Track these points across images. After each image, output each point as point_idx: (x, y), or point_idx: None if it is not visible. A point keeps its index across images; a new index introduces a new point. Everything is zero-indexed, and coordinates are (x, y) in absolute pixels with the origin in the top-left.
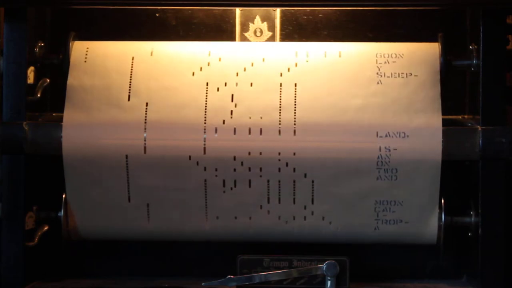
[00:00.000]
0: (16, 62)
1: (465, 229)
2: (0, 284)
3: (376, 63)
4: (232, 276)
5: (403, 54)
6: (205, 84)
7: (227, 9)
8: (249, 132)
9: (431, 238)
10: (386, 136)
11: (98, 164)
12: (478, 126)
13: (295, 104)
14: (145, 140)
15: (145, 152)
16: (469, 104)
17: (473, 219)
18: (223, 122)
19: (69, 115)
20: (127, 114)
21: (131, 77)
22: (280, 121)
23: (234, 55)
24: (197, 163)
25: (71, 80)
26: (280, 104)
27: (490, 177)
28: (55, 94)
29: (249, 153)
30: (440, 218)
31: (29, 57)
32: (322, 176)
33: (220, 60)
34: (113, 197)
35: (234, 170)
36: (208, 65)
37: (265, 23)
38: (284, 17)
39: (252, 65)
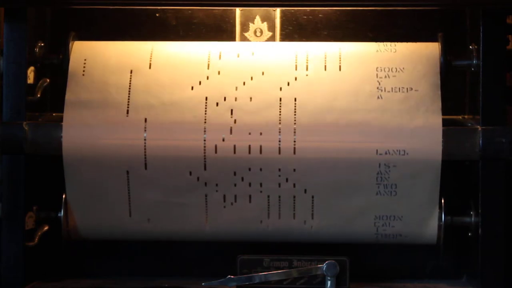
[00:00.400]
0: (16, 62)
1: (465, 229)
2: (0, 284)
3: (377, 77)
4: (232, 276)
5: (403, 68)
6: (204, 98)
7: (227, 9)
8: (249, 151)
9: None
10: (385, 153)
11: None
12: (478, 126)
13: (294, 121)
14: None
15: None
16: (469, 104)
17: (473, 219)
18: (223, 140)
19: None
20: (126, 130)
21: (129, 92)
22: (280, 138)
23: (233, 68)
24: (198, 178)
25: (69, 94)
26: (279, 121)
27: (490, 177)
28: (55, 94)
29: (249, 169)
30: (440, 218)
31: (29, 57)
32: (322, 192)
33: (219, 73)
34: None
35: (235, 185)
36: (207, 78)
37: (265, 23)
38: (284, 17)
39: (252, 79)
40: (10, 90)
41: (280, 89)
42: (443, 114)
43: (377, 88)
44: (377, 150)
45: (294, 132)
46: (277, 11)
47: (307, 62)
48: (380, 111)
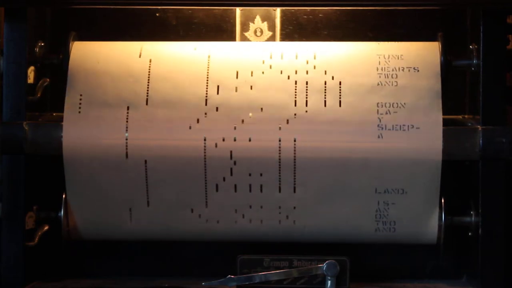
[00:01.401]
0: (16, 62)
1: (465, 229)
2: (0, 284)
3: (377, 113)
4: (232, 276)
5: (405, 104)
6: (203, 138)
7: (227, 9)
8: (250, 189)
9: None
10: (384, 192)
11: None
12: (478, 126)
13: (294, 161)
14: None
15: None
16: (469, 104)
17: (473, 219)
18: (224, 179)
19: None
20: (127, 173)
21: (127, 133)
22: (280, 178)
23: (232, 103)
24: (199, 215)
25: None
26: (279, 161)
27: (490, 177)
28: (55, 94)
29: (250, 207)
30: (440, 218)
31: (29, 57)
32: (321, 231)
33: (217, 110)
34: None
35: (236, 222)
36: (205, 115)
37: (265, 22)
38: (284, 17)
39: (250, 116)
40: (10, 90)
41: (280, 128)
42: (443, 114)
43: (378, 125)
44: (376, 189)
45: (294, 170)
46: (277, 11)
47: (306, 97)
48: (381, 150)
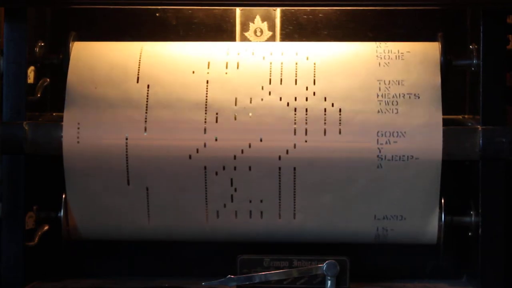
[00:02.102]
0: (16, 62)
1: (465, 229)
2: (0, 284)
3: (377, 143)
4: (232, 276)
5: (405, 132)
6: (203, 168)
7: (227, 9)
8: (250, 216)
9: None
10: (383, 218)
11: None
12: (478, 126)
13: (294, 189)
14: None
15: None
16: (469, 104)
17: (473, 219)
18: (224, 206)
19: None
20: (129, 199)
21: (127, 161)
22: (280, 205)
23: (231, 131)
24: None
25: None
26: (279, 189)
27: (490, 177)
28: (55, 94)
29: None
30: (440, 218)
31: (29, 57)
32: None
33: (216, 140)
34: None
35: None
36: (205, 146)
37: (265, 22)
38: (284, 16)
39: (250, 146)
40: (10, 90)
41: (279, 157)
42: (443, 114)
43: (377, 156)
44: (375, 215)
45: (294, 198)
46: (277, 11)
47: (306, 125)
48: (380, 180)
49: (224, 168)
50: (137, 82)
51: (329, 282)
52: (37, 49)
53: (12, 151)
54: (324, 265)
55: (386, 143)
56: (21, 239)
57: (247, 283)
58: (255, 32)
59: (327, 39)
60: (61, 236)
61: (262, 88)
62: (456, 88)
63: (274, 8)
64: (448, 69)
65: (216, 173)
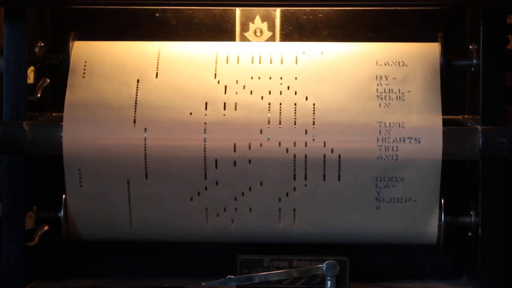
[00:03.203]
0: (16, 62)
1: (465, 229)
2: (0, 284)
3: (376, 187)
4: (232, 276)
5: (403, 178)
6: (205, 209)
7: (227, 9)
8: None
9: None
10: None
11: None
12: (478, 126)
13: (293, 229)
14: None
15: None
16: (469, 104)
17: (473, 219)
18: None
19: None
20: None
21: (130, 204)
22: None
23: (231, 176)
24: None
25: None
26: (279, 229)
27: (490, 177)
28: (55, 94)
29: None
30: (440, 218)
31: (29, 57)
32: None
33: (217, 184)
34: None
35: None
36: (206, 189)
37: (265, 23)
38: (284, 17)
39: (250, 189)
40: (10, 90)
41: (279, 200)
42: (443, 114)
43: (376, 198)
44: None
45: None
46: (277, 11)
47: (305, 171)
48: (379, 220)
49: (225, 209)
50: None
51: (329, 282)
52: (37, 49)
53: (12, 151)
54: (324, 265)
55: (385, 187)
56: (21, 239)
57: (247, 283)
58: (255, 32)
59: (327, 39)
60: (61, 236)
61: (261, 132)
62: (456, 88)
63: (274, 8)
64: (448, 69)
65: (218, 215)
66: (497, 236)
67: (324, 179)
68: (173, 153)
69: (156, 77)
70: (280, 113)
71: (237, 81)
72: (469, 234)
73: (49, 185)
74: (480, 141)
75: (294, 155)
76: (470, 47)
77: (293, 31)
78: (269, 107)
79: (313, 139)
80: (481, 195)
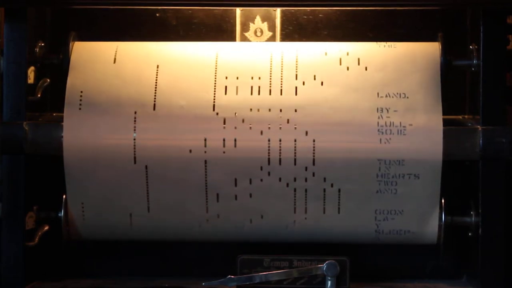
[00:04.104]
0: (16, 62)
1: (465, 229)
2: (0, 284)
3: (375, 220)
4: (232, 276)
5: (402, 211)
6: (208, 239)
7: (227, 9)
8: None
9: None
10: None
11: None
12: (478, 126)
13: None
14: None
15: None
16: (469, 104)
17: (473, 219)
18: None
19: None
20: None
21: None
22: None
23: (232, 210)
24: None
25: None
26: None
27: (490, 177)
28: (55, 94)
29: None
30: (440, 218)
31: (29, 57)
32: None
33: (218, 216)
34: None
35: None
36: (207, 221)
37: (265, 23)
38: (284, 17)
39: (251, 221)
40: (10, 90)
41: (280, 232)
42: (443, 114)
43: (375, 231)
44: None
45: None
46: (277, 11)
47: (305, 204)
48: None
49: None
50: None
51: (329, 282)
52: (37, 49)
53: (12, 151)
54: (324, 265)
55: (384, 220)
56: (21, 239)
57: (247, 283)
58: (255, 32)
59: (327, 39)
60: (61, 236)
61: (261, 169)
62: (456, 88)
63: (274, 8)
64: (448, 69)
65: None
66: (497, 236)
67: (324, 212)
68: (174, 187)
69: (154, 109)
70: (280, 151)
71: (235, 113)
72: (469, 234)
73: (49, 185)
74: (480, 141)
75: (294, 189)
76: (470, 47)
77: (294, 31)
78: (268, 144)
79: (313, 175)
80: (481, 195)
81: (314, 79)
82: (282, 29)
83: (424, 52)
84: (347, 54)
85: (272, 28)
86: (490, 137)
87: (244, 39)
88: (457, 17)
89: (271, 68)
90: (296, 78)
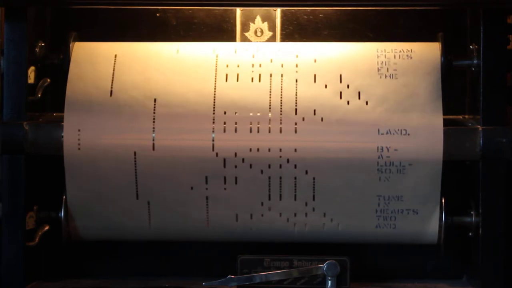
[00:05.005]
0: (16, 62)
1: (465, 229)
2: (0, 284)
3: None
4: (232, 276)
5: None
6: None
7: (227, 9)
8: None
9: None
10: None
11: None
12: (479, 126)
13: None
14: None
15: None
16: (470, 104)
17: (473, 219)
18: None
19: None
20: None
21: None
22: None
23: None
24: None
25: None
26: None
27: (491, 177)
28: (56, 94)
29: None
30: (440, 218)
31: (29, 57)
32: None
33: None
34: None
35: None
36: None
37: (265, 23)
38: (284, 17)
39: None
40: (11, 90)
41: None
42: (443, 114)
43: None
44: None
45: None
46: (278, 11)
47: (306, 238)
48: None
49: None
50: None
51: (329, 282)
52: (37, 49)
53: (12, 151)
54: (325, 265)
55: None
56: (21, 239)
57: (248, 283)
58: (255, 32)
59: (328, 39)
60: (61, 236)
61: (262, 204)
62: (457, 88)
63: (274, 8)
64: (448, 69)
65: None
66: (497, 236)
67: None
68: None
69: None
70: (280, 188)
71: (235, 153)
72: (469, 234)
73: (49, 185)
74: (481, 141)
75: (294, 223)
76: (470, 47)
77: (294, 31)
78: (269, 181)
79: (313, 210)
80: (481, 195)
81: (314, 114)
82: (282, 29)
83: (426, 83)
84: (348, 87)
85: (272, 28)
86: (490, 137)
87: (244, 39)
88: (457, 17)
89: (270, 105)
90: (296, 113)
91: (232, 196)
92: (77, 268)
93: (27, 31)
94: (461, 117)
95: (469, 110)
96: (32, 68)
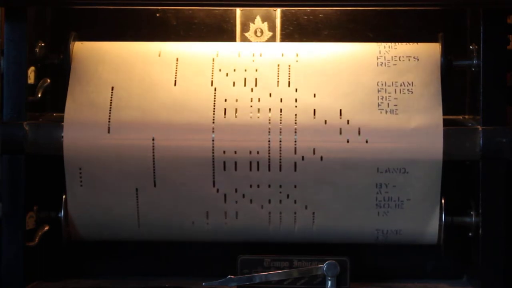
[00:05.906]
0: (16, 62)
1: (465, 229)
2: (0, 284)
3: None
4: (232, 276)
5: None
6: None
7: (227, 9)
8: None
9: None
10: None
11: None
12: (479, 126)
13: None
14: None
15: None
16: (470, 104)
17: (473, 219)
18: None
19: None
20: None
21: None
22: None
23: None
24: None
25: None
26: None
27: (491, 177)
28: (56, 94)
29: None
30: (440, 218)
31: (29, 57)
32: None
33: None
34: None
35: None
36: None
37: (265, 23)
38: (284, 17)
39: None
40: (11, 90)
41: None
42: (443, 114)
43: None
44: None
45: None
46: (278, 11)
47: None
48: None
49: None
50: None
51: (329, 282)
52: (37, 49)
53: (12, 151)
54: (324, 265)
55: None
56: (21, 239)
57: (248, 283)
58: (255, 32)
59: (328, 39)
60: (61, 236)
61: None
62: (457, 88)
63: (274, 8)
64: (448, 69)
65: None
66: (497, 236)
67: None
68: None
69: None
70: (280, 221)
71: (236, 189)
72: (469, 234)
73: (49, 185)
74: (481, 141)
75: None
76: (470, 47)
77: (294, 31)
78: (269, 216)
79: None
80: (481, 195)
81: (314, 153)
82: (282, 29)
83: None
84: (348, 122)
85: (272, 28)
86: (490, 137)
87: (244, 39)
88: (457, 17)
89: (269, 143)
90: (295, 153)
91: (232, 230)
92: (77, 268)
93: (27, 31)
94: (461, 117)
95: (469, 110)
96: (32, 68)
